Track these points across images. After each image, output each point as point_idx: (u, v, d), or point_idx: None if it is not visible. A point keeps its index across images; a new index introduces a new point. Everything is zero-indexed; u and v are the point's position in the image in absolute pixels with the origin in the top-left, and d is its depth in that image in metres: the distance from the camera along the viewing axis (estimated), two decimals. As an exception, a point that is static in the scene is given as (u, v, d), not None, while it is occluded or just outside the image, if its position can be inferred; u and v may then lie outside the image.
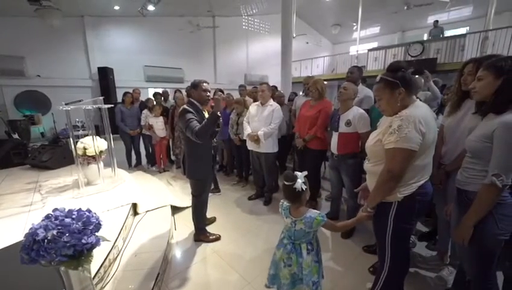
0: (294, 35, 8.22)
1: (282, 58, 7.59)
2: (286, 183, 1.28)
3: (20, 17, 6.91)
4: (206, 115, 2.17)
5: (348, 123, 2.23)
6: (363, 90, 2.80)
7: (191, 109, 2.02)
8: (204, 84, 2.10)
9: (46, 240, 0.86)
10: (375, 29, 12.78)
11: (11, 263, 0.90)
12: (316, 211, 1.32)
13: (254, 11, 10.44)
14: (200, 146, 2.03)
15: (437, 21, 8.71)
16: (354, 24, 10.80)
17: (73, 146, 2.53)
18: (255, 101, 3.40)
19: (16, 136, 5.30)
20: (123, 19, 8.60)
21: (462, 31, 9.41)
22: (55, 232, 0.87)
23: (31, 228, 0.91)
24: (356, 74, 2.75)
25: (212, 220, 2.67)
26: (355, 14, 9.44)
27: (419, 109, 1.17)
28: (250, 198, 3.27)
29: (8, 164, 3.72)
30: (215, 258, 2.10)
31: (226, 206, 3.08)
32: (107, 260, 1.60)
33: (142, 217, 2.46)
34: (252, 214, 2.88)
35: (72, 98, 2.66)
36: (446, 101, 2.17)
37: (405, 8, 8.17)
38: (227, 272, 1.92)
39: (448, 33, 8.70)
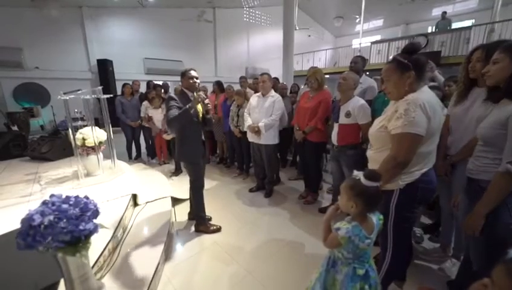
0: (297, 27, 8.09)
1: (284, 51, 7.48)
2: (371, 184, 0.99)
3: (18, 8, 6.78)
4: (199, 107, 2.17)
5: (348, 114, 2.19)
6: (367, 81, 2.75)
7: (175, 97, 2.10)
8: (191, 71, 2.16)
9: (42, 226, 0.84)
10: (379, 22, 12.59)
11: (9, 249, 0.88)
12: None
13: (255, 2, 10.26)
14: (187, 130, 2.11)
15: (445, 12, 8.55)
16: (357, 16, 10.62)
17: (72, 136, 2.50)
18: (256, 92, 3.35)
19: (15, 128, 5.27)
20: (122, 9, 8.45)
21: (468, 23, 9.25)
22: (51, 217, 0.85)
23: (27, 214, 0.89)
24: (360, 64, 2.69)
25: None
26: (358, 6, 9.28)
27: (425, 94, 1.14)
28: (251, 190, 3.25)
29: (7, 155, 3.69)
30: (216, 248, 2.10)
31: (227, 198, 3.07)
32: (107, 249, 1.59)
33: (142, 208, 2.44)
34: (252, 206, 2.87)
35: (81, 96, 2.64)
36: (448, 92, 2.13)
37: (410, -1, 7.98)
38: (228, 263, 1.91)
39: (453, 26, 8.55)
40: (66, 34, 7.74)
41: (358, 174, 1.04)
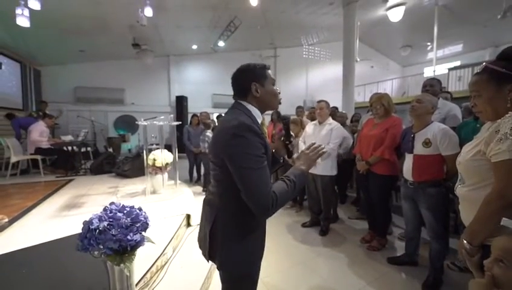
0: (358, 59, 7.88)
1: (343, 83, 7.31)
2: None
3: (124, 60, 8.99)
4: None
5: (427, 143, 1.82)
6: (446, 106, 2.28)
7: (256, 128, 0.89)
8: (268, 71, 1.02)
9: (97, 230, 0.90)
10: (457, 48, 11.18)
11: (73, 250, 0.97)
12: None
13: (315, 40, 10.67)
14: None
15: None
16: (429, 44, 9.71)
17: (145, 156, 2.88)
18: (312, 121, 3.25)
19: (110, 150, 6.53)
20: (198, 55, 10.15)
21: None
22: (106, 224, 0.91)
23: (90, 218, 0.98)
24: (437, 87, 2.31)
25: None
26: (429, 33, 8.51)
27: None
28: (304, 225, 2.97)
29: (101, 171, 4.54)
30: (260, 286, 1.89)
31: (277, 231, 2.86)
32: (155, 266, 1.62)
33: (194, 229, 2.49)
34: (304, 244, 2.57)
35: (155, 121, 3.15)
36: None
37: (499, 17, 6.81)
38: (273, 306, 1.68)
39: None
40: (155, 77, 9.71)
41: None
